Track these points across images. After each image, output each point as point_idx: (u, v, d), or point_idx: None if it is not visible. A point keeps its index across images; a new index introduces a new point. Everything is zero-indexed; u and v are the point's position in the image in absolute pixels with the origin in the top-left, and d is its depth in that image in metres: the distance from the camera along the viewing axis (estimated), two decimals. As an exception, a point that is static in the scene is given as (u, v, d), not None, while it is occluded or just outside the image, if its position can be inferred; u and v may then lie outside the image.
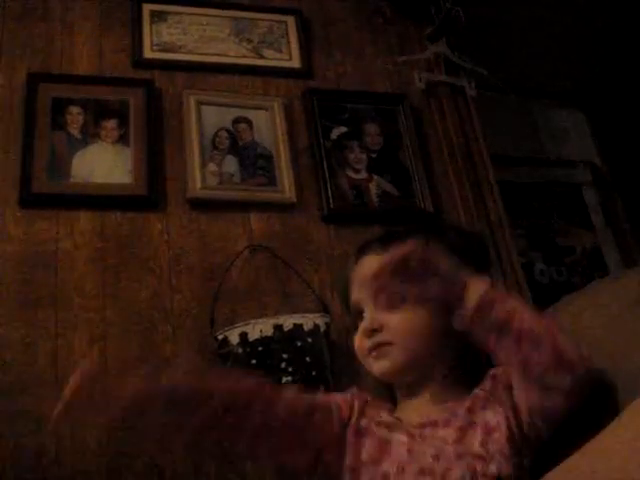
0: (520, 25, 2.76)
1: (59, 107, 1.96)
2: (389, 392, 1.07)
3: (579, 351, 0.83)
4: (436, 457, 0.90)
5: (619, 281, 0.97)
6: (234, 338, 1.68)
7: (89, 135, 1.96)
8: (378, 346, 0.99)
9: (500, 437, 0.88)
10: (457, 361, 1.00)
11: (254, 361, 1.65)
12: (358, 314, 1.04)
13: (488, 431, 0.89)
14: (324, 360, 1.71)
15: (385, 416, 1.00)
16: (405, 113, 2.28)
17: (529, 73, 3.00)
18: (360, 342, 1.01)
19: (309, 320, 1.74)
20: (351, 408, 1.02)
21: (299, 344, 1.69)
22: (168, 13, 2.23)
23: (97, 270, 1.81)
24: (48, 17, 2.11)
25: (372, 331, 0.99)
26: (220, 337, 1.71)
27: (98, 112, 1.99)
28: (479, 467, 0.86)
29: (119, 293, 1.79)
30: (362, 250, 1.08)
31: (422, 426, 0.94)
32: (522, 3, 2.65)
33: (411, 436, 0.94)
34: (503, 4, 2.63)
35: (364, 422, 0.99)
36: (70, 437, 1.60)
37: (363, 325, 1.01)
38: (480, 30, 2.53)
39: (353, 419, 1.00)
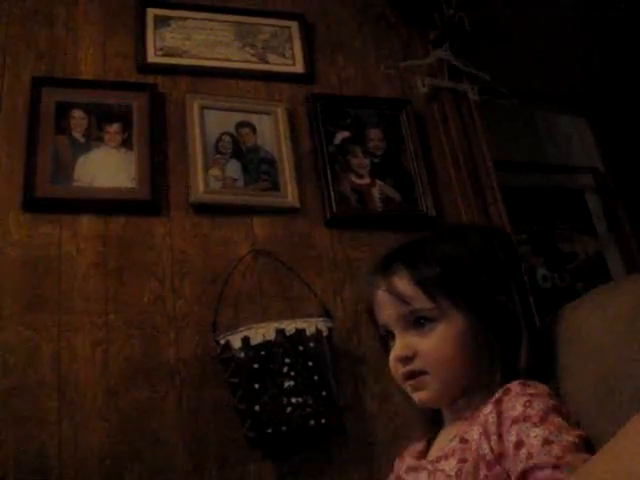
0: (523, 31, 2.76)
1: (63, 111, 1.97)
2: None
3: None
4: None
5: (623, 286, 0.96)
6: (236, 342, 1.68)
7: (92, 139, 1.96)
8: (413, 375, 0.97)
9: (500, 473, 0.83)
10: (482, 377, 0.96)
11: (256, 365, 1.65)
12: (387, 333, 1.02)
13: (488, 466, 0.85)
14: (326, 365, 1.71)
15: (410, 460, 1.01)
16: (408, 118, 2.28)
17: (532, 79, 3.00)
18: (395, 368, 0.99)
19: (311, 325, 1.74)
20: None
21: (301, 349, 1.70)
22: (172, 18, 2.24)
23: (100, 274, 1.81)
24: (52, 22, 2.12)
25: (406, 359, 0.97)
26: (222, 341, 1.71)
27: (102, 116, 1.99)
28: None
29: (122, 297, 1.80)
30: (384, 267, 1.02)
31: (437, 460, 0.94)
32: (525, 9, 2.65)
33: (429, 473, 0.94)
34: (506, 10, 2.64)
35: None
36: (72, 440, 1.60)
37: (395, 352, 0.99)
38: (483, 36, 2.54)
39: None
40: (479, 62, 2.49)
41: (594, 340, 0.91)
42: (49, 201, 1.85)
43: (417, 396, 0.98)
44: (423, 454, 1.02)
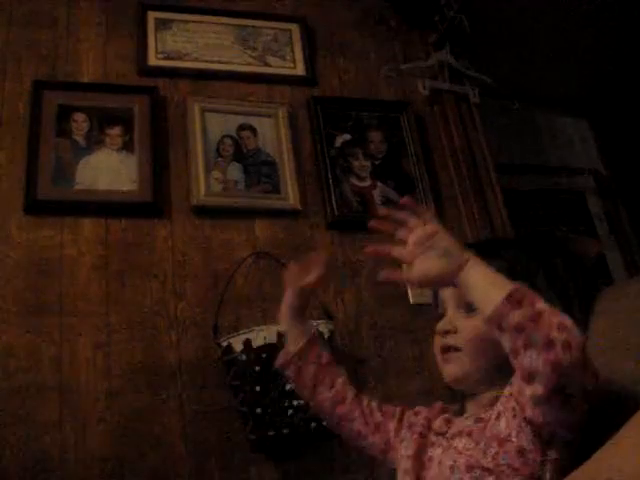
0: (524, 33, 2.76)
1: (64, 114, 1.97)
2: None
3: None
4: (452, 468, 0.93)
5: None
6: (238, 345, 1.68)
7: (94, 142, 1.97)
8: (448, 349, 1.03)
9: (511, 450, 0.88)
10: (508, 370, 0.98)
11: (258, 368, 1.65)
12: (441, 313, 1.07)
13: (500, 443, 0.90)
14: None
15: (432, 436, 1.05)
16: (409, 120, 2.29)
17: (533, 81, 3.00)
18: (436, 341, 1.06)
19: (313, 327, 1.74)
20: (428, 420, 1.09)
21: (303, 351, 1.69)
22: (173, 21, 2.24)
23: (101, 276, 1.81)
24: (54, 25, 2.12)
25: (445, 332, 1.03)
26: (224, 344, 1.71)
27: (103, 119, 2.00)
28: (486, 478, 0.88)
29: (123, 299, 1.80)
30: None
31: (452, 437, 0.99)
32: (526, 11, 2.65)
33: (444, 448, 0.99)
34: (507, 12, 2.64)
35: (432, 432, 1.06)
36: (74, 443, 1.60)
37: (438, 325, 1.05)
38: (484, 38, 2.54)
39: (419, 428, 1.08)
40: (480, 64, 2.49)
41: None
42: (51, 204, 1.85)
43: (446, 369, 1.03)
44: (444, 430, 1.05)
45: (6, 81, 1.99)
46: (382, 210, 1.02)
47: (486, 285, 0.86)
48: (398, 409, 1.16)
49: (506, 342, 0.83)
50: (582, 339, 0.80)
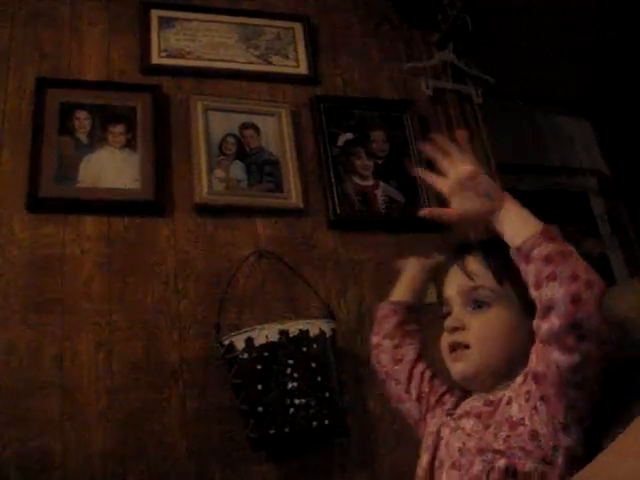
0: (526, 33, 2.76)
1: (67, 112, 1.97)
2: None
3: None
4: (461, 450, 0.94)
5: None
6: (240, 343, 1.68)
7: (96, 140, 1.97)
8: (456, 347, 1.02)
9: (523, 433, 0.88)
10: (516, 369, 0.99)
11: (260, 366, 1.65)
12: (444, 312, 1.08)
13: (512, 426, 0.90)
14: (330, 366, 1.71)
15: (442, 416, 1.07)
16: (412, 120, 2.28)
17: (535, 81, 2.99)
18: (443, 340, 1.05)
19: (315, 326, 1.74)
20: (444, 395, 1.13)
21: (305, 350, 1.69)
22: (176, 19, 2.24)
23: (103, 275, 1.81)
24: (57, 23, 2.12)
25: (454, 329, 1.03)
26: (226, 342, 1.71)
27: (106, 117, 2.00)
28: (498, 462, 0.88)
29: (125, 298, 1.80)
30: (462, 250, 1.09)
31: (459, 417, 1.00)
32: (528, 11, 2.65)
33: (452, 429, 0.99)
34: (510, 12, 2.63)
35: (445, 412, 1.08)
36: (75, 441, 1.60)
37: (446, 323, 1.05)
38: (487, 37, 2.53)
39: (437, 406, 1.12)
40: (483, 64, 2.49)
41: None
42: (53, 201, 1.85)
43: (455, 367, 1.03)
44: (452, 410, 1.07)
45: (9, 79, 1.99)
46: (436, 137, 1.07)
47: (521, 221, 0.92)
48: (444, 387, 1.15)
49: (530, 274, 0.87)
50: (603, 284, 0.84)
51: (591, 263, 0.86)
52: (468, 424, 0.97)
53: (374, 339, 1.25)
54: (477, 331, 1.00)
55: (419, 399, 1.15)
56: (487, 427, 0.93)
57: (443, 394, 1.13)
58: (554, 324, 0.83)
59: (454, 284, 1.06)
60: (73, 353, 1.70)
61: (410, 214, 2.13)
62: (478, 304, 1.01)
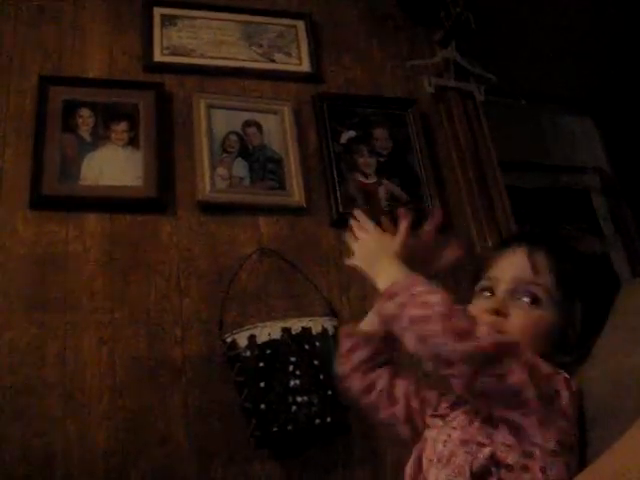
0: (529, 31, 2.76)
1: (70, 110, 1.97)
2: None
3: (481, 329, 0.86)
4: (445, 442, 0.95)
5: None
6: (242, 341, 1.68)
7: (99, 138, 1.97)
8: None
9: (502, 427, 0.89)
10: None
11: (262, 364, 1.65)
12: (484, 287, 1.06)
13: (494, 422, 0.90)
14: (332, 364, 1.70)
15: (428, 419, 1.06)
16: (414, 118, 2.28)
17: (538, 79, 2.99)
18: (481, 315, 1.01)
19: (317, 323, 1.74)
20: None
21: (307, 347, 1.70)
22: (179, 17, 2.24)
23: (106, 272, 1.81)
24: (59, 21, 2.12)
25: (497, 312, 1.01)
26: (228, 340, 1.71)
27: (108, 115, 2.00)
28: (480, 454, 0.88)
29: (128, 295, 1.80)
30: (532, 239, 1.07)
31: (444, 415, 1.01)
32: (531, 9, 2.65)
33: (437, 429, 1.00)
34: (512, 9, 2.63)
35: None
36: (78, 438, 1.61)
37: (491, 304, 1.02)
38: (489, 35, 2.53)
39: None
40: (485, 62, 2.48)
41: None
42: (56, 199, 1.85)
43: None
44: (435, 408, 1.07)
45: (12, 76, 1.99)
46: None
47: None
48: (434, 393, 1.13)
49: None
50: (443, 300, 0.88)
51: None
52: (453, 419, 0.98)
53: (341, 369, 1.17)
54: (521, 322, 0.99)
55: (409, 420, 1.10)
56: (472, 422, 0.93)
57: (439, 400, 1.11)
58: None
59: (512, 267, 1.04)
60: (76, 350, 1.70)
61: (413, 212, 2.13)
62: (530, 298, 1.00)
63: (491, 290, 1.05)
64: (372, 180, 2.14)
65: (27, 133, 1.91)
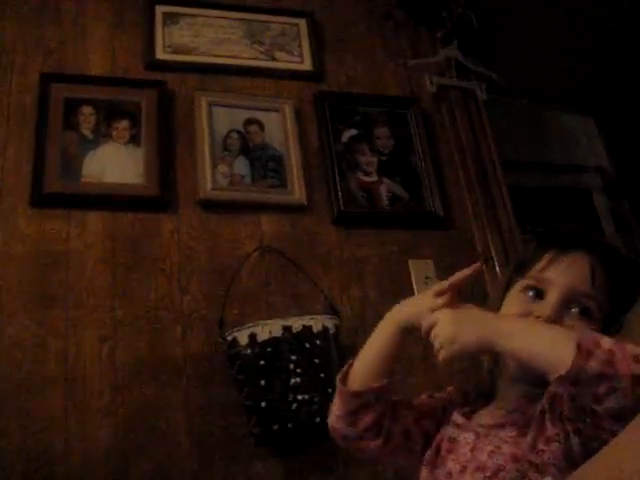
0: (531, 30, 2.75)
1: (71, 107, 1.97)
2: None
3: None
4: (492, 453, 0.92)
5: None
6: (243, 339, 1.68)
7: (101, 135, 1.97)
8: None
9: (557, 450, 0.85)
10: None
11: (262, 362, 1.65)
12: (531, 287, 1.02)
13: (547, 441, 0.87)
14: (333, 362, 1.71)
15: (457, 417, 1.04)
16: (416, 116, 2.28)
17: (540, 78, 2.99)
18: (527, 314, 0.99)
19: (318, 322, 1.74)
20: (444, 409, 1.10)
21: (308, 346, 1.69)
22: (180, 15, 2.24)
23: (107, 270, 1.81)
24: (61, 18, 2.12)
25: (548, 319, 0.96)
26: (229, 338, 1.71)
27: (110, 113, 2.00)
28: (531, 474, 0.86)
29: (129, 293, 1.80)
30: (580, 242, 1.03)
31: (490, 427, 0.97)
32: (533, 8, 2.65)
33: (477, 435, 0.97)
34: (514, 8, 2.63)
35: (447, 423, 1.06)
36: (78, 436, 1.61)
37: (547, 310, 0.97)
38: (491, 34, 2.53)
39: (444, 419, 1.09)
40: (487, 61, 2.48)
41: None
42: (57, 197, 1.85)
43: None
44: (469, 415, 1.04)
45: (13, 74, 1.99)
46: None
47: (542, 344, 0.84)
48: (434, 415, 1.10)
49: (584, 395, 0.78)
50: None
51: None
52: (502, 431, 0.94)
53: (347, 431, 1.09)
54: None
55: (411, 451, 1.07)
56: (523, 435, 0.90)
57: (443, 414, 1.09)
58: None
59: (570, 275, 0.99)
60: (77, 348, 1.70)
61: (414, 210, 2.13)
62: (583, 311, 0.97)
63: (538, 291, 1.00)
64: (373, 179, 2.14)
65: (28, 131, 1.91)
